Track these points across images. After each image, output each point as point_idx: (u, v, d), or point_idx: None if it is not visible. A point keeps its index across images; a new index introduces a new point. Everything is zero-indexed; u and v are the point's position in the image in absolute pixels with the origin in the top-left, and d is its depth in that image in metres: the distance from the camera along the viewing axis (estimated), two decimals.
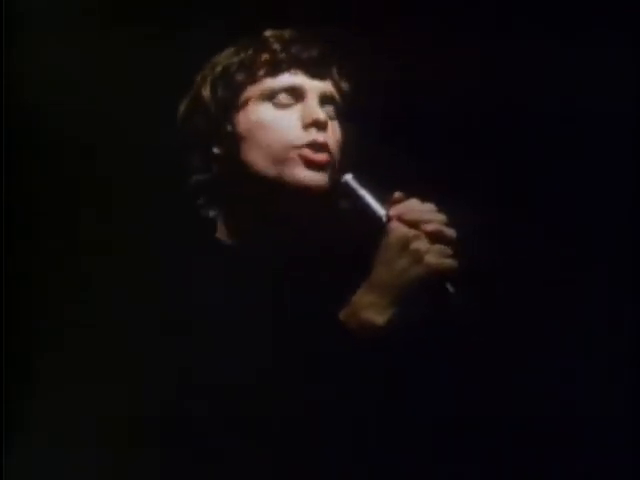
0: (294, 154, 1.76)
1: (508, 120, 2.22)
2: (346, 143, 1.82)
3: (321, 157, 1.76)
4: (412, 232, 1.65)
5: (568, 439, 2.13)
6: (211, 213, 1.85)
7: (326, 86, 1.82)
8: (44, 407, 2.11)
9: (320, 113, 1.78)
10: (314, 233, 1.81)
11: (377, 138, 1.99)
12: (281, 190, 1.77)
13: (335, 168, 1.78)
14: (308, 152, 1.76)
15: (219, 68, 1.83)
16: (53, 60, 2.21)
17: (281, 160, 1.76)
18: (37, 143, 2.22)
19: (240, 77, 1.81)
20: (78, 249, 2.18)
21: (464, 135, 2.23)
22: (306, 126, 1.77)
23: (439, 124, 2.22)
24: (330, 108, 1.82)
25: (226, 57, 1.84)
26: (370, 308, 1.65)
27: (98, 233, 2.18)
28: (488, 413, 2.07)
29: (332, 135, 1.80)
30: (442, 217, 1.67)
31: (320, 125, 1.77)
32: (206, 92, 1.83)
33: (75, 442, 2.06)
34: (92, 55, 2.22)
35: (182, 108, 1.86)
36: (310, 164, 1.76)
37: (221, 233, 1.84)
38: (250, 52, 1.82)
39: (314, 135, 1.77)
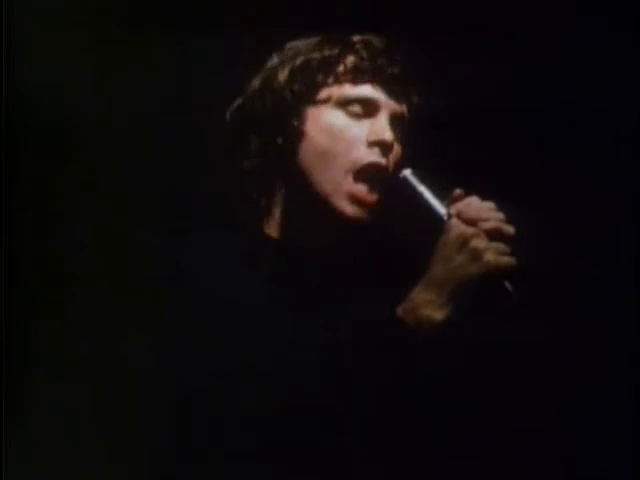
0: (348, 187, 1.74)
1: (568, 121, 2.23)
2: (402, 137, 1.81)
3: (372, 197, 1.75)
4: (471, 230, 1.65)
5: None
6: (263, 202, 1.82)
7: (400, 107, 1.81)
8: (44, 407, 2.10)
9: (388, 133, 1.76)
10: (367, 230, 1.79)
11: (434, 135, 1.98)
12: (326, 206, 1.76)
13: (380, 206, 1.77)
14: (361, 191, 1.74)
15: (300, 59, 1.80)
16: (53, 60, 2.21)
17: (335, 188, 1.74)
18: (37, 143, 2.21)
19: (321, 76, 1.78)
20: (92, 246, 2.18)
21: (521, 134, 2.23)
22: (371, 144, 1.76)
23: (496, 123, 2.22)
24: (397, 129, 1.80)
25: (308, 48, 1.81)
26: (428, 305, 1.65)
27: (101, 232, 2.18)
28: (546, 411, 2.08)
29: (393, 157, 1.78)
30: (501, 215, 1.68)
31: (386, 146, 1.76)
32: (283, 78, 1.79)
33: (75, 442, 2.06)
34: (92, 55, 2.21)
35: (255, 85, 1.82)
36: (359, 202, 1.75)
37: (270, 227, 1.82)
38: (336, 51, 1.79)
39: (376, 157, 1.76)
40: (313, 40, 1.83)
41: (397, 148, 1.79)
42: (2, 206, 2.15)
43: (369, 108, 1.78)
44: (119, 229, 2.16)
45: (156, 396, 1.70)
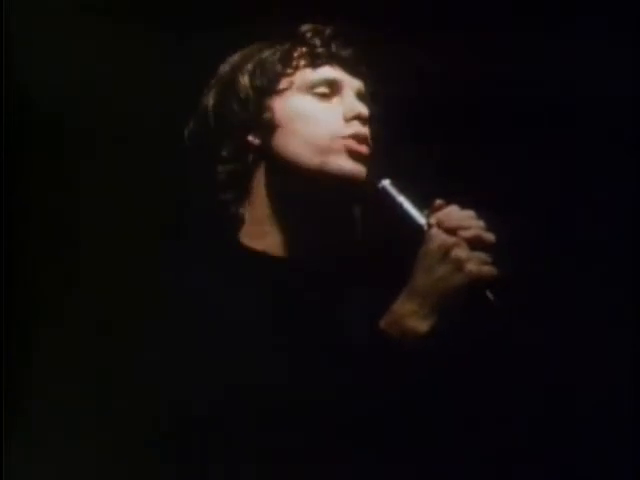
0: (338, 144, 1.76)
1: (548, 125, 2.23)
2: (378, 145, 1.81)
3: (364, 149, 1.76)
4: (452, 239, 1.64)
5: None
6: (240, 210, 1.82)
7: (361, 85, 1.83)
8: (44, 407, 2.11)
9: (362, 107, 1.78)
10: (349, 240, 1.80)
11: (410, 143, 1.98)
12: (320, 181, 1.75)
13: (371, 163, 1.77)
14: (352, 143, 1.76)
15: (255, 60, 1.82)
16: (53, 60, 2.21)
17: (324, 149, 1.75)
18: (37, 143, 2.22)
19: (279, 67, 1.80)
20: (82, 251, 2.18)
21: (498, 138, 2.23)
22: (348, 119, 1.77)
23: (470, 128, 2.22)
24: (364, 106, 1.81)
25: (256, 51, 1.83)
26: (412, 316, 1.64)
27: (101, 232, 2.19)
28: (532, 418, 2.08)
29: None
30: (481, 223, 1.67)
31: (362, 119, 1.78)
32: (244, 80, 1.80)
33: (75, 442, 2.06)
34: (92, 54, 2.21)
35: (212, 97, 1.83)
36: (354, 154, 1.76)
37: (245, 235, 1.81)
38: (287, 45, 1.82)
39: (357, 127, 1.77)
40: (257, 45, 1.85)
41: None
42: (2, 206, 2.15)
43: (333, 87, 1.80)
44: (119, 229, 2.16)
45: (156, 396, 1.70)
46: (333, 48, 1.81)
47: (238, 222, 1.82)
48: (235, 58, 1.85)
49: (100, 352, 2.07)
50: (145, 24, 2.21)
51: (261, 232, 1.80)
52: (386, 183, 1.74)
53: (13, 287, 2.14)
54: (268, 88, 1.80)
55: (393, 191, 1.73)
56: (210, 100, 1.83)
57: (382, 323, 1.65)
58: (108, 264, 2.15)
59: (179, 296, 1.71)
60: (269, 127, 1.78)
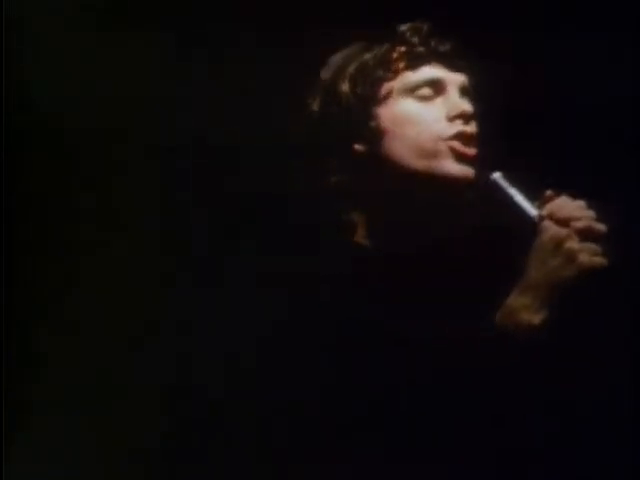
0: (443, 146, 1.74)
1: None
2: (487, 138, 1.79)
3: (471, 151, 1.74)
4: (565, 231, 1.63)
5: None
6: (355, 217, 1.79)
7: (464, 79, 1.81)
8: (44, 407, 2.11)
9: (466, 105, 1.76)
10: (460, 234, 1.78)
11: (518, 134, 1.97)
12: (429, 184, 1.74)
13: (481, 162, 1.75)
14: (458, 145, 1.74)
15: (355, 64, 1.80)
16: (53, 60, 2.21)
17: (430, 153, 1.74)
18: (37, 143, 2.21)
19: (380, 72, 1.78)
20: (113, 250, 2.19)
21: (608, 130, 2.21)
22: (451, 118, 1.75)
23: (577, 119, 2.21)
24: (468, 101, 1.79)
25: (356, 53, 1.82)
26: (525, 310, 1.63)
27: (101, 232, 2.18)
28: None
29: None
30: (591, 213, 1.66)
31: (466, 117, 1.76)
32: (345, 87, 1.79)
33: (75, 442, 2.06)
34: (92, 55, 2.21)
35: (315, 107, 1.81)
36: (460, 157, 1.74)
37: (360, 236, 1.80)
38: (386, 47, 1.80)
39: (461, 126, 1.75)
40: (357, 46, 1.83)
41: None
42: (2, 206, 2.15)
43: (436, 88, 1.78)
44: (118, 229, 2.16)
45: (157, 397, 1.70)
46: (432, 45, 1.79)
47: (351, 227, 1.80)
48: (336, 61, 1.83)
49: (100, 352, 2.07)
50: (145, 24, 2.21)
51: (371, 232, 1.79)
52: (497, 176, 1.72)
53: (13, 287, 2.14)
54: (371, 95, 1.78)
55: (504, 183, 1.71)
56: (314, 108, 1.82)
57: (498, 317, 1.65)
58: (108, 264, 2.15)
59: (181, 297, 1.71)
60: (375, 135, 1.77)
